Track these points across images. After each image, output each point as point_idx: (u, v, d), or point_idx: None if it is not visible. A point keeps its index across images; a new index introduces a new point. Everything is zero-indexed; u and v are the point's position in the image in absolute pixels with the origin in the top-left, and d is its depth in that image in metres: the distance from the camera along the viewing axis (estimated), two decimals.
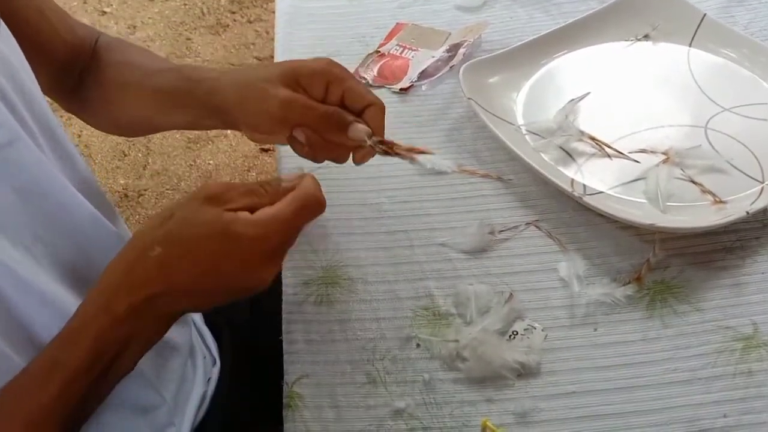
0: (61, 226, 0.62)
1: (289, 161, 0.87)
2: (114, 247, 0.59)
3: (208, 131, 2.15)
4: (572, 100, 0.89)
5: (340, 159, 0.72)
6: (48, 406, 0.54)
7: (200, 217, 0.55)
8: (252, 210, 0.56)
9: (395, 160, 0.87)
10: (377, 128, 0.68)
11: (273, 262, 0.57)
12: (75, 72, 0.79)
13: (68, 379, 0.54)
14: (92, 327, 0.55)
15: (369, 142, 0.67)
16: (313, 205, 0.58)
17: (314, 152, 0.70)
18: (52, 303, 0.59)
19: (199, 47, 2.40)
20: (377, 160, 0.87)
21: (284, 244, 0.58)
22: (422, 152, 0.70)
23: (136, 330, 0.56)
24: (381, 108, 0.69)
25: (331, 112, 0.67)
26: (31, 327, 0.58)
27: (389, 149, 0.69)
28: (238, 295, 0.58)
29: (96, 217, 0.66)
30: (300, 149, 0.70)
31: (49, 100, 0.71)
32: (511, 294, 0.73)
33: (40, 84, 0.67)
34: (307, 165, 0.88)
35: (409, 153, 0.70)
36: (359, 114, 0.68)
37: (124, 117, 0.79)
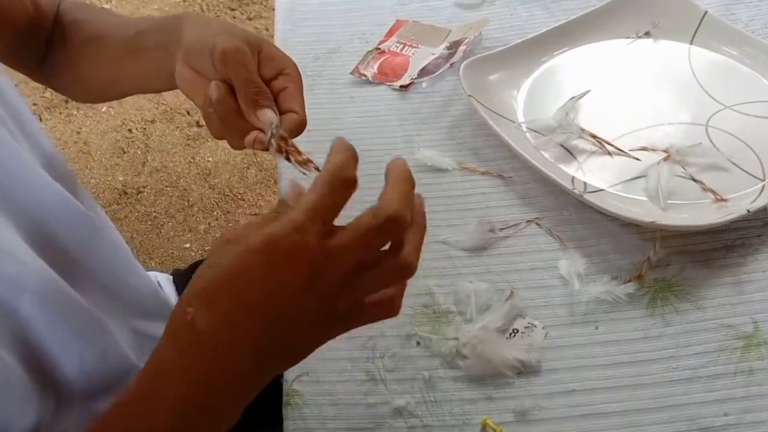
0: (25, 203, 0.60)
1: None
2: (78, 223, 0.57)
3: (207, 129, 2.15)
4: (573, 97, 0.89)
5: (234, 142, 0.63)
6: None
7: (229, 260, 0.47)
8: None
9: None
10: (290, 117, 0.60)
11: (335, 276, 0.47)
12: (40, 39, 0.77)
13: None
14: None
15: (269, 135, 0.59)
16: (347, 184, 0.50)
17: (219, 116, 0.61)
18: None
19: None
20: (377, 158, 0.87)
21: (327, 251, 0.47)
22: (315, 168, 0.60)
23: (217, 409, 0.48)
24: (298, 83, 0.62)
25: (258, 83, 0.60)
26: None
27: (285, 152, 0.60)
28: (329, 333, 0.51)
29: (61, 194, 0.64)
30: (206, 110, 0.62)
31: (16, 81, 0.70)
32: (512, 291, 0.73)
33: (2, 54, 0.64)
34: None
35: (301, 163, 0.61)
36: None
37: (91, 76, 0.76)
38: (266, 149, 0.60)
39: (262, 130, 0.60)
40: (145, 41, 0.69)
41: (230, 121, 0.61)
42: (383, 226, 0.48)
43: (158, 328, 0.63)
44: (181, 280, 0.93)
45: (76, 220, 0.66)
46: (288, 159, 0.61)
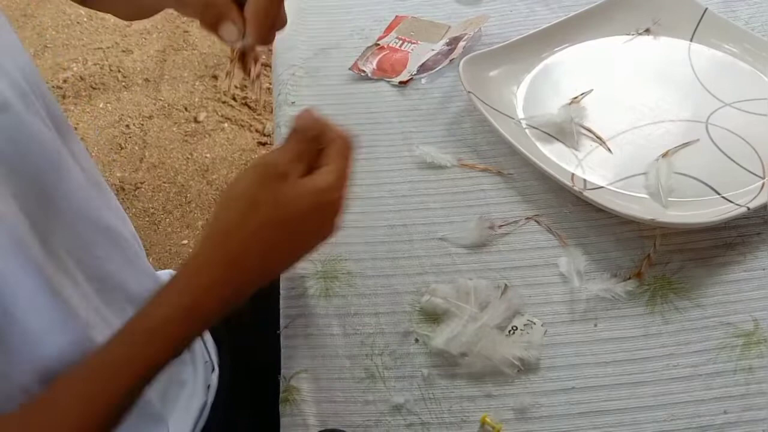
0: (50, 195, 0.61)
1: None
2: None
3: (205, 125, 2.14)
4: (575, 98, 0.88)
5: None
6: (113, 403, 0.54)
7: (292, 194, 0.58)
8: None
9: (395, 153, 0.87)
10: (254, 15, 0.59)
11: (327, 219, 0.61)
12: None
13: (141, 376, 0.55)
14: (175, 327, 0.55)
15: (236, 49, 0.59)
16: (351, 148, 0.61)
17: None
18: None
19: (197, 40, 2.39)
20: (377, 154, 0.87)
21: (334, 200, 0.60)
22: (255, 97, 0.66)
23: (216, 319, 0.58)
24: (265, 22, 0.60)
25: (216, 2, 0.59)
26: None
27: (245, 66, 0.61)
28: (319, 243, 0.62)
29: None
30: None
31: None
32: (506, 285, 0.73)
33: None
34: None
35: (251, 84, 0.62)
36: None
37: None
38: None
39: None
40: None
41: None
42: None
43: None
44: None
45: (85, 199, 0.65)
46: (246, 74, 0.61)
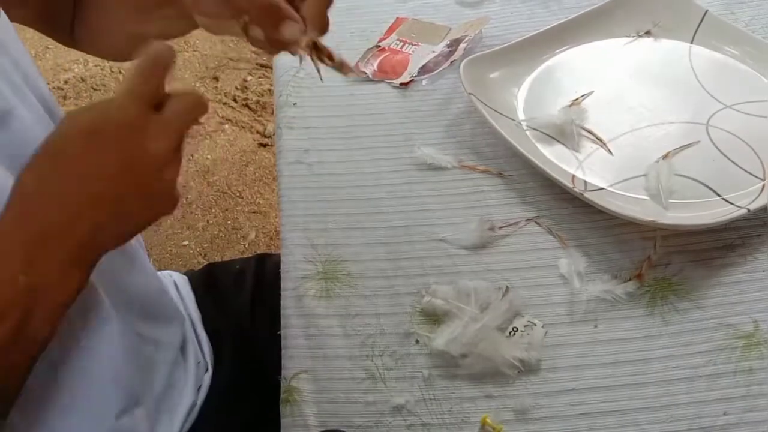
0: None
1: (288, 156, 0.87)
2: None
3: (206, 126, 2.14)
4: (576, 99, 0.88)
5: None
6: None
7: (57, 133, 0.52)
8: None
9: (395, 155, 0.87)
10: (314, 19, 0.60)
11: (161, 148, 0.52)
12: (65, 3, 0.76)
13: None
14: None
15: (303, 45, 0.60)
16: (159, 64, 0.54)
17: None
18: None
19: (197, 41, 2.39)
20: (378, 156, 0.87)
21: (150, 122, 0.52)
22: (350, 71, 0.65)
23: (38, 282, 0.49)
24: (322, 10, 0.61)
25: (269, 3, 0.60)
26: None
27: (320, 57, 0.62)
28: (144, 204, 0.54)
29: None
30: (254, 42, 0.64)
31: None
32: (507, 287, 0.73)
33: (32, 20, 0.66)
34: (307, 160, 0.87)
35: (340, 66, 0.63)
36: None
37: (116, 29, 0.75)
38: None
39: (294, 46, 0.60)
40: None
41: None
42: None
43: (158, 331, 0.62)
44: (196, 281, 0.91)
45: None
46: (324, 62, 0.62)
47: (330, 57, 0.62)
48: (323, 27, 0.61)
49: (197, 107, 0.54)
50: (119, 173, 0.52)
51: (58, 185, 0.51)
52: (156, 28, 0.71)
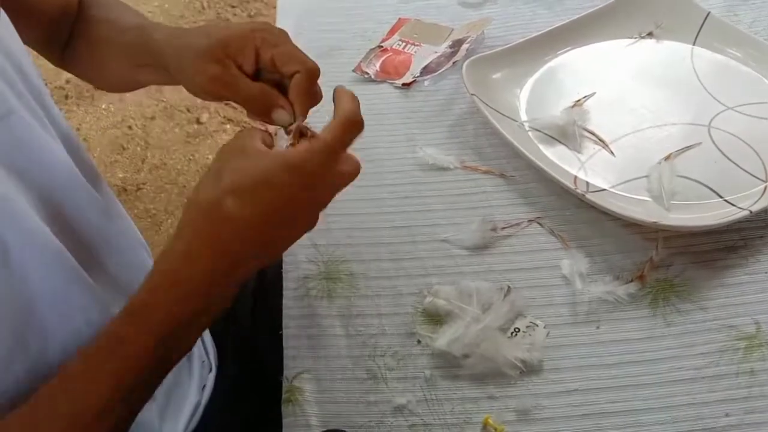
0: (56, 200, 0.61)
1: None
2: (95, 212, 0.59)
3: (207, 126, 2.14)
4: (578, 101, 0.88)
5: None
6: (113, 384, 0.52)
7: (258, 163, 0.54)
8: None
9: (398, 155, 0.87)
10: (299, 97, 0.63)
11: (329, 193, 0.58)
12: (65, 28, 0.79)
13: (135, 356, 0.53)
14: (164, 299, 0.53)
15: (290, 130, 0.61)
16: (357, 128, 0.59)
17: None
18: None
19: None
20: (380, 156, 0.87)
21: (335, 173, 0.57)
22: None
23: (212, 300, 0.55)
24: (308, 73, 0.63)
25: (254, 93, 0.63)
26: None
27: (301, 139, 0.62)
28: (299, 236, 0.58)
29: (79, 179, 0.65)
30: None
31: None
32: (509, 288, 0.73)
33: (33, 42, 0.68)
34: None
35: None
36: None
37: (107, 71, 0.78)
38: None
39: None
40: (145, 57, 0.71)
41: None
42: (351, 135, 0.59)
43: None
44: None
45: (93, 207, 0.66)
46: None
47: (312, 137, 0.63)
48: (309, 106, 0.64)
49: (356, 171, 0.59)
50: (292, 222, 0.57)
51: (260, 223, 0.54)
52: (148, 78, 0.74)
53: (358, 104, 0.59)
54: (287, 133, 0.61)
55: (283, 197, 0.54)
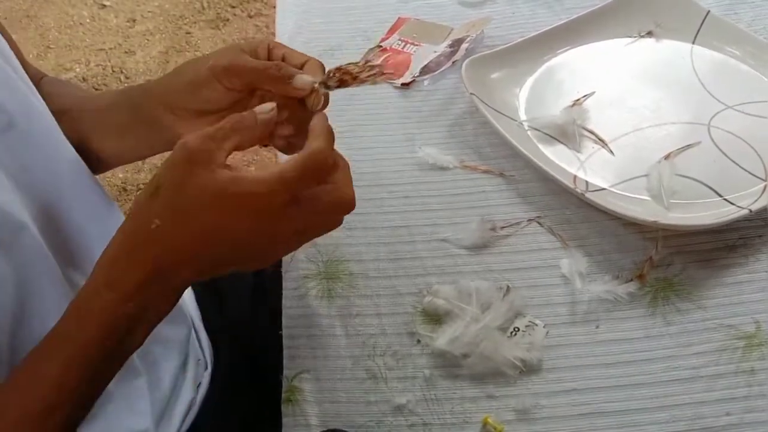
0: (56, 210, 0.62)
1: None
2: (89, 214, 0.59)
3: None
4: (577, 100, 0.88)
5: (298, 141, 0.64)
6: (56, 381, 0.53)
7: (193, 183, 0.52)
8: (241, 148, 0.55)
9: (397, 155, 0.87)
10: (315, 68, 0.63)
11: (282, 230, 0.55)
12: None
13: (77, 354, 0.53)
14: (99, 303, 0.53)
15: (317, 84, 0.61)
16: (322, 168, 0.55)
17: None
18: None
19: (199, 41, 2.39)
20: (379, 156, 0.87)
21: (292, 210, 0.54)
22: (383, 74, 0.65)
23: (146, 304, 0.54)
24: (320, 63, 0.64)
25: (270, 64, 0.62)
26: None
27: (344, 77, 0.62)
28: (246, 264, 0.57)
29: (80, 179, 0.66)
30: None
31: None
32: (508, 287, 0.73)
33: None
34: None
35: (369, 74, 0.64)
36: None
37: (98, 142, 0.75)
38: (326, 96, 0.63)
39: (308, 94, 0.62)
40: (123, 111, 0.69)
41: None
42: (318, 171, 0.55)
43: (161, 330, 0.62)
44: (197, 282, 0.91)
45: (89, 209, 0.66)
46: (354, 82, 0.63)
47: (354, 78, 0.63)
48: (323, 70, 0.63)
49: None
50: (246, 245, 0.54)
51: (182, 242, 0.53)
52: (143, 149, 0.73)
53: (332, 140, 0.56)
54: (319, 94, 0.61)
55: (214, 220, 0.52)
